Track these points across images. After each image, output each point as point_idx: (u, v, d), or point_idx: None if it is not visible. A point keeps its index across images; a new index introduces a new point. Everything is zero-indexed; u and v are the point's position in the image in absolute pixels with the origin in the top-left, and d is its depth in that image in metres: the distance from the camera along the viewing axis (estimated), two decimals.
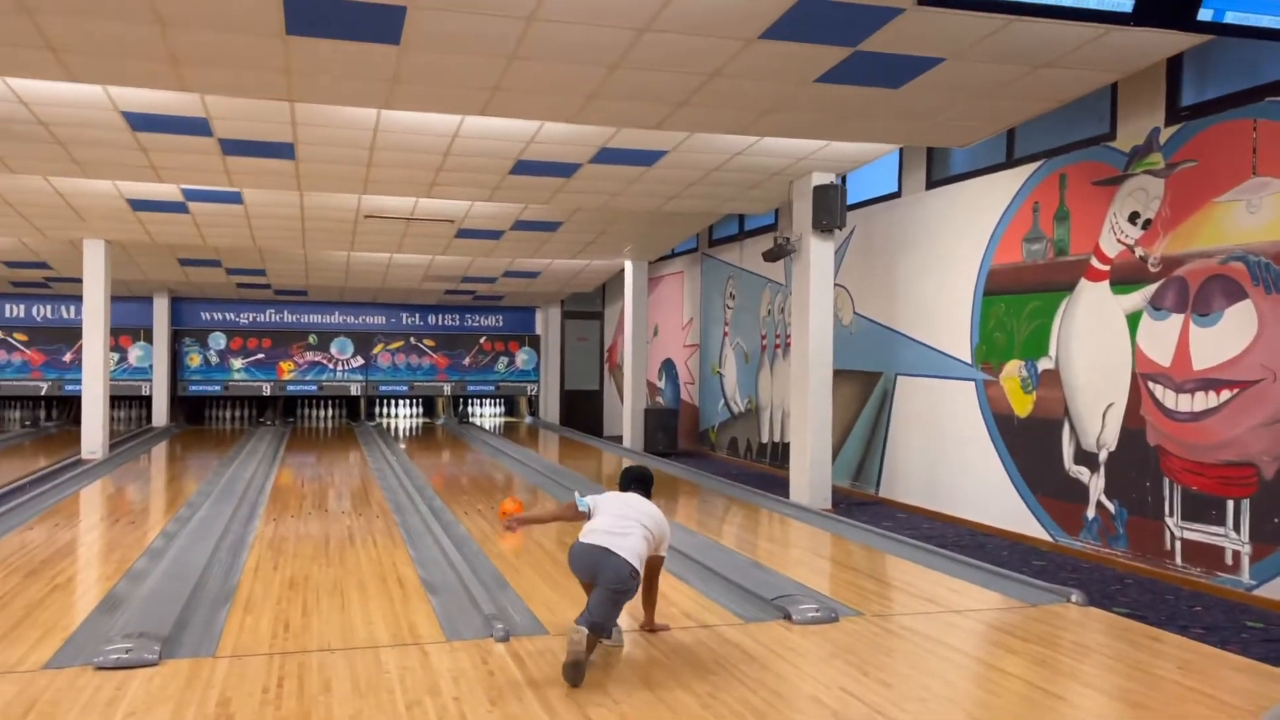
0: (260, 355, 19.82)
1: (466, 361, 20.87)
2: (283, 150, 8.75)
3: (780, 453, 12.62)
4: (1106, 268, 7.54)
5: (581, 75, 6.36)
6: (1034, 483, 8.30)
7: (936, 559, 7.04)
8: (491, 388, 21.18)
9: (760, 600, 5.72)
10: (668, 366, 16.96)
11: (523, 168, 9.43)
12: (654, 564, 4.89)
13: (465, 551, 7.06)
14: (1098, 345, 7.63)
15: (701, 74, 6.34)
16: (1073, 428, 7.88)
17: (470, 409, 21.50)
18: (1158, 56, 6.16)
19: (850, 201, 10.40)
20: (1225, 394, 6.52)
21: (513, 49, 5.89)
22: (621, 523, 4.72)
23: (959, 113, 7.23)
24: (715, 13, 5.38)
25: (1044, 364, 8.17)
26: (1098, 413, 7.63)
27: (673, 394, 16.65)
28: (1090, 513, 7.68)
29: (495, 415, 21.60)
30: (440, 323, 20.90)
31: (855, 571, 6.92)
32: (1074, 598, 5.85)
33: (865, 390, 10.75)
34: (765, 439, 13.26)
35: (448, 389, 20.86)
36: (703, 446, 15.36)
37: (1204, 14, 3.36)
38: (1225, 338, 6.53)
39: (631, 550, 4.60)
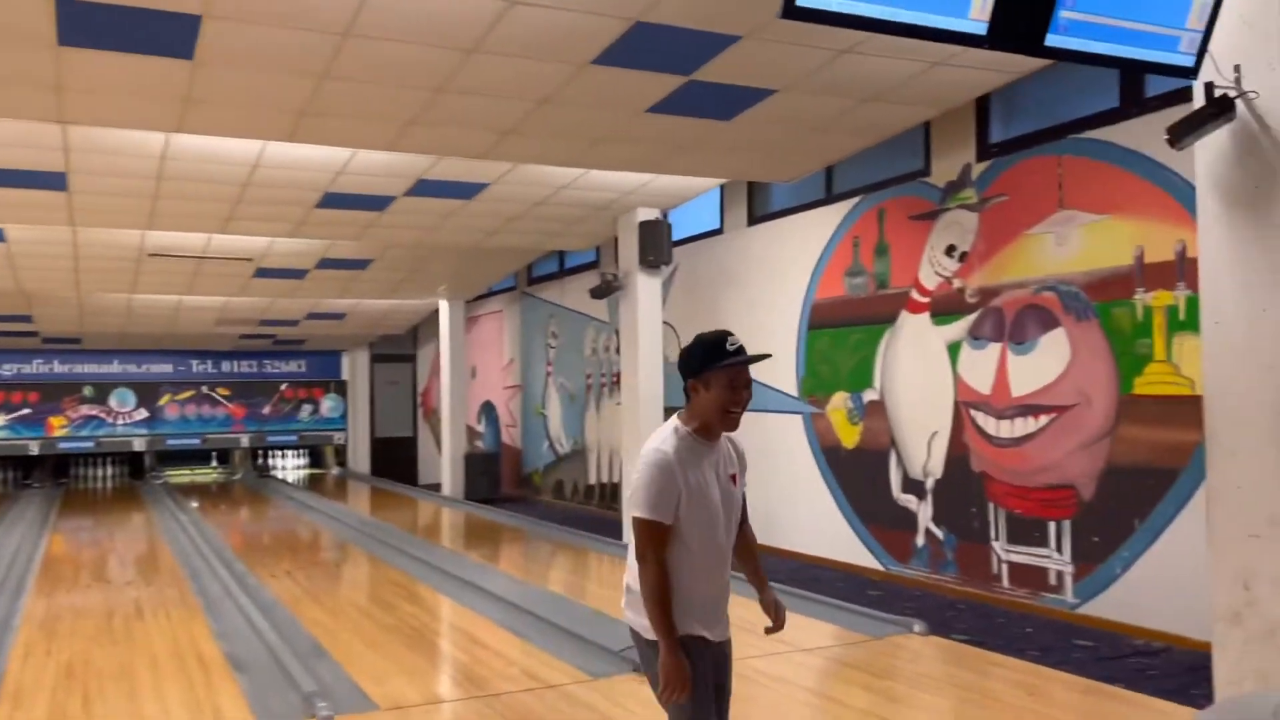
0: (26, 410, 17.88)
1: (266, 410, 19.61)
2: (53, 180, 7.82)
3: (610, 493, 12.36)
4: (926, 300, 7.74)
5: (401, 99, 5.95)
6: (864, 513, 8.38)
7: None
8: (294, 438, 20.00)
9: (606, 653, 5.40)
10: (487, 409, 16.45)
11: (331, 200, 8.83)
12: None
13: (274, 619, 6.38)
14: (920, 375, 7.80)
15: (531, 100, 6.06)
16: (899, 457, 8.01)
17: (271, 461, 20.19)
18: (973, 94, 6.39)
19: (674, 238, 10.36)
20: (1043, 419, 6.75)
21: (324, 68, 5.42)
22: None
23: (787, 147, 7.28)
24: (547, 36, 5.12)
25: (869, 395, 8.30)
26: (923, 442, 7.78)
27: (493, 437, 16.14)
28: (920, 540, 7.80)
29: (299, 467, 20.39)
30: (236, 370, 19.59)
31: None
32: (916, 628, 5.86)
33: None
34: (593, 480, 12.98)
35: (245, 440, 19.51)
36: (527, 491, 14.91)
37: (1051, 40, 3.40)
38: (1041, 365, 6.77)
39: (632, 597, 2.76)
